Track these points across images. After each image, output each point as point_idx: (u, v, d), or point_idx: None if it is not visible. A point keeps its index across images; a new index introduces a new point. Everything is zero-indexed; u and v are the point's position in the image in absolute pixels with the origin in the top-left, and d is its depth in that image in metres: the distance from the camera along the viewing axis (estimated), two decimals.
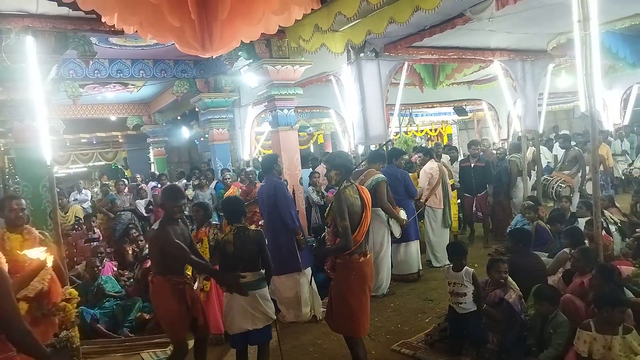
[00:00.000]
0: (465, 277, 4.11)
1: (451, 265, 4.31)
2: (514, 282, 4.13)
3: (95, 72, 7.87)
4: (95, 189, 11.74)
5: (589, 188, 7.65)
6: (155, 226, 3.79)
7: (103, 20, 2.53)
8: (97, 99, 10.91)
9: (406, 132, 14.73)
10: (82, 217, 7.70)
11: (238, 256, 3.66)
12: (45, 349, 2.30)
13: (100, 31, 5.28)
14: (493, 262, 4.19)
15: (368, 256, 3.66)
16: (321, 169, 8.84)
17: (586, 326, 3.29)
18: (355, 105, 6.44)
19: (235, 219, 3.82)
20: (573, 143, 8.93)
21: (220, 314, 4.58)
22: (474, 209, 7.80)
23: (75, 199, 10.57)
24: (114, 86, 9.74)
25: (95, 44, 6.09)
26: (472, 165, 7.76)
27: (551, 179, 7.78)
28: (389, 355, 4.25)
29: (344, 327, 3.63)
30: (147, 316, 5.44)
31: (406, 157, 7.91)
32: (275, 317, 3.86)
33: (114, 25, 2.47)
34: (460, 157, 9.23)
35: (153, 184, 10.63)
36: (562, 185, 7.48)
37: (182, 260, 3.72)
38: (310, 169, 8.83)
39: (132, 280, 6.11)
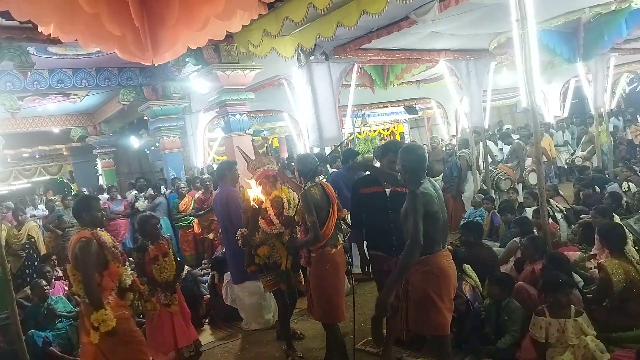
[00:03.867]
0: None
1: None
2: (472, 273, 4.27)
3: (35, 83, 7.50)
4: (41, 206, 11.10)
5: (531, 179, 8.00)
6: None
7: (40, 29, 2.40)
8: (37, 111, 10.41)
9: (359, 133, 14.89)
10: (35, 236, 7.18)
11: None
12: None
13: (38, 40, 5.05)
14: None
15: (339, 247, 3.88)
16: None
17: (541, 312, 3.45)
18: (308, 108, 6.46)
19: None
20: (516, 136, 9.33)
21: (187, 326, 4.44)
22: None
23: (33, 215, 9.80)
24: (55, 97, 9.29)
25: (33, 54, 5.81)
26: (389, 191, 3.70)
27: (494, 170, 8.13)
28: (354, 354, 4.26)
29: (323, 315, 3.83)
30: None
31: (368, 156, 7.90)
32: None
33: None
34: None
35: (104, 196, 10.17)
36: (502, 177, 7.87)
37: None
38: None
39: None
